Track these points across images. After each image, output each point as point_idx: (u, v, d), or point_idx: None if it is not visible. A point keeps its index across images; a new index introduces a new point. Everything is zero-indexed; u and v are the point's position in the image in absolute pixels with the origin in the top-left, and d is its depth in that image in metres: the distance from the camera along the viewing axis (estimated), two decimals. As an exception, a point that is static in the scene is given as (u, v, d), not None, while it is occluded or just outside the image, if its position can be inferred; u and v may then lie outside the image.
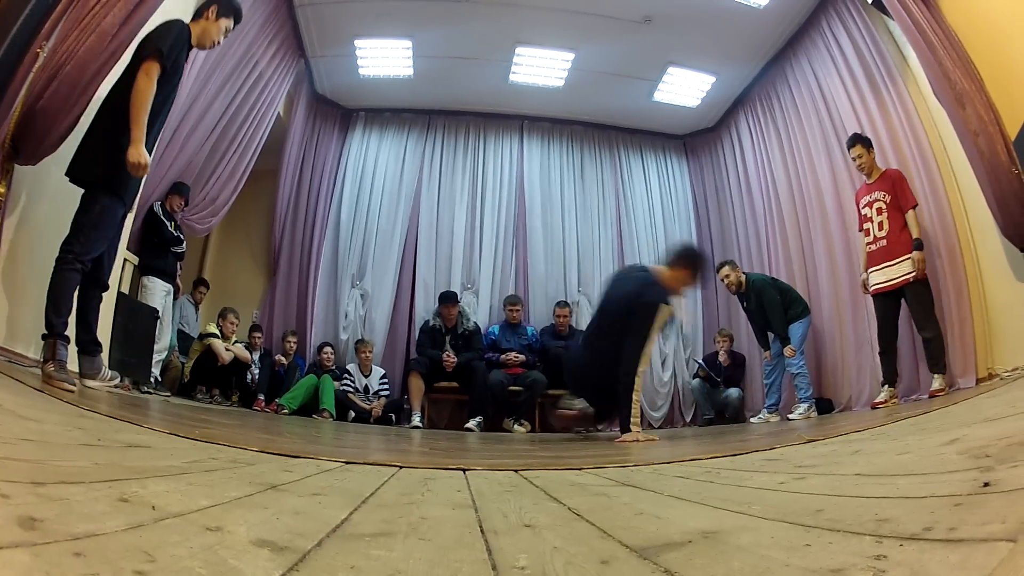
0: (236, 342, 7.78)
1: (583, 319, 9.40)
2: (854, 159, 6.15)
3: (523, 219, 9.98)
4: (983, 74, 5.15)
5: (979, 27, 5.28)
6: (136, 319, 5.79)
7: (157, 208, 6.28)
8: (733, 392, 8.26)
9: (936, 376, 5.41)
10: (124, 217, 4.33)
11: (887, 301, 5.79)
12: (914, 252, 5.55)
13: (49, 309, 3.77)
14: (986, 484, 1.17)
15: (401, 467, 2.13)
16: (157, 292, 6.33)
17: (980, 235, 5.65)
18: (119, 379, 4.59)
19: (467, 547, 1.02)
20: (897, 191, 5.78)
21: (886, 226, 5.79)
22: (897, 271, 5.66)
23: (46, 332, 3.75)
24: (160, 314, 6.27)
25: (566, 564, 0.91)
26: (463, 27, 8.47)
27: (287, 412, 7.36)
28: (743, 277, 7.41)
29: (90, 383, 4.02)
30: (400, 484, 1.76)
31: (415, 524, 1.17)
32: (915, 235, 5.61)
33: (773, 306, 6.97)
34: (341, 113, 10.24)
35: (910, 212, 5.68)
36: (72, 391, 3.52)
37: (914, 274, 5.52)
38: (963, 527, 0.91)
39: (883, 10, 6.27)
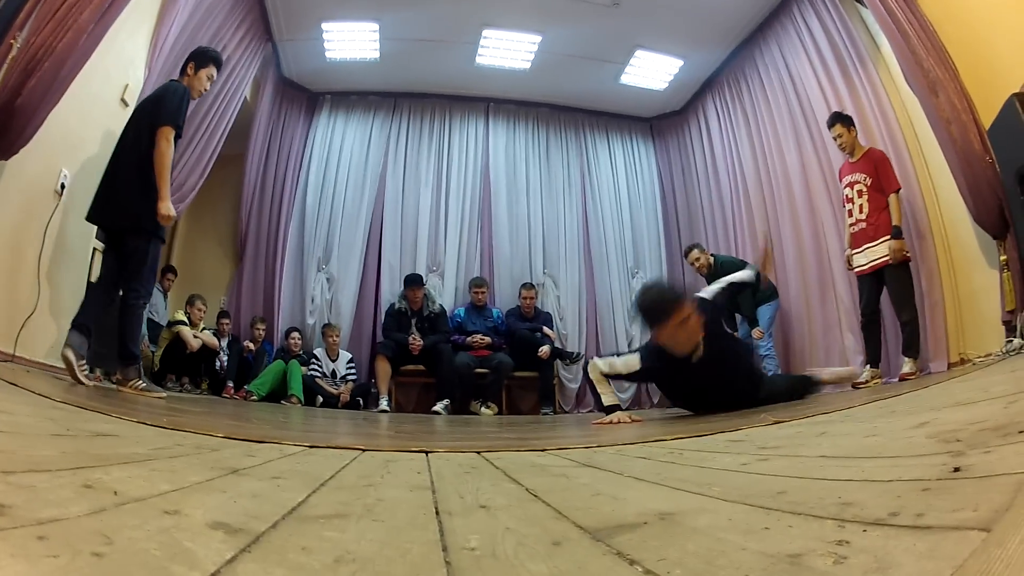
0: (204, 329, 7.75)
1: (548, 301, 9.52)
2: (835, 138, 6.09)
3: (488, 201, 9.98)
4: (957, 63, 5.17)
5: (955, 16, 5.31)
6: (106, 309, 5.75)
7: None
8: (700, 374, 8.30)
9: (907, 360, 5.45)
10: None
11: (870, 281, 5.76)
12: (891, 240, 5.53)
13: (128, 342, 4.51)
14: (956, 469, 1.14)
15: (364, 450, 2.14)
16: (126, 281, 6.29)
17: (951, 221, 5.70)
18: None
19: (420, 528, 1.03)
20: (879, 173, 5.74)
21: (866, 209, 5.77)
22: (877, 252, 5.65)
23: (128, 360, 4.52)
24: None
25: (517, 545, 0.92)
26: (430, 10, 8.44)
27: (256, 398, 7.35)
28: (711, 259, 7.47)
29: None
30: (361, 467, 1.77)
31: (371, 506, 1.17)
32: (895, 221, 5.58)
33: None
34: (307, 97, 10.15)
35: (892, 196, 5.64)
36: (163, 398, 4.56)
37: (889, 257, 5.52)
38: (931, 513, 0.89)
39: None
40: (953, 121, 5.04)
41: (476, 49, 9.26)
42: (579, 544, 0.92)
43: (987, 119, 4.80)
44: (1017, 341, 4.57)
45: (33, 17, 3.92)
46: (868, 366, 5.78)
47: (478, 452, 2.19)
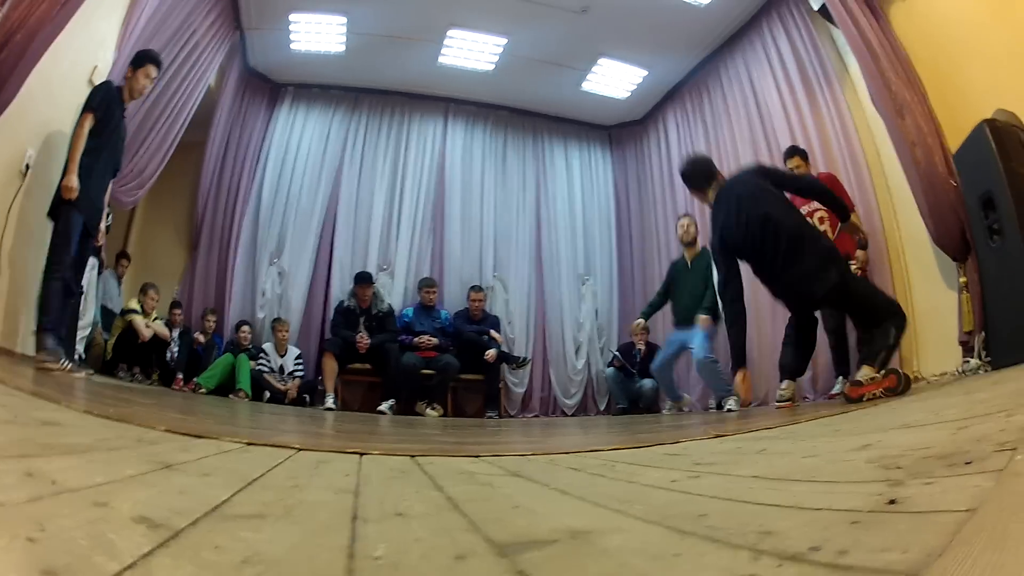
0: (156, 319, 7.73)
1: (497, 304, 9.60)
2: (793, 170, 6.08)
3: (442, 203, 10.04)
4: (927, 86, 5.27)
5: (928, 39, 5.41)
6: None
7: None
8: (647, 383, 8.36)
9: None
10: (88, 229, 5.06)
11: None
12: (858, 252, 5.68)
13: (38, 310, 4.75)
14: (891, 502, 1.05)
15: (299, 449, 2.16)
16: (82, 266, 6.28)
17: (910, 242, 5.85)
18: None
19: (333, 533, 1.04)
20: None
21: (830, 235, 5.77)
22: None
23: (35, 328, 4.73)
24: (84, 289, 6.17)
25: (421, 557, 0.93)
26: (399, 5, 8.48)
27: (204, 391, 7.33)
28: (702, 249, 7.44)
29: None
30: (292, 466, 1.79)
31: (291, 507, 1.20)
32: (862, 235, 5.70)
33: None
34: (270, 88, 10.13)
35: (854, 215, 5.67)
36: (55, 366, 4.44)
37: (858, 266, 5.65)
38: (856, 551, 0.80)
39: (828, 18, 6.37)
40: (918, 144, 5.13)
41: (440, 48, 9.30)
42: (483, 560, 0.92)
43: (954, 143, 4.88)
44: (974, 361, 4.67)
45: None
46: (840, 378, 5.82)
47: (411, 456, 2.21)
